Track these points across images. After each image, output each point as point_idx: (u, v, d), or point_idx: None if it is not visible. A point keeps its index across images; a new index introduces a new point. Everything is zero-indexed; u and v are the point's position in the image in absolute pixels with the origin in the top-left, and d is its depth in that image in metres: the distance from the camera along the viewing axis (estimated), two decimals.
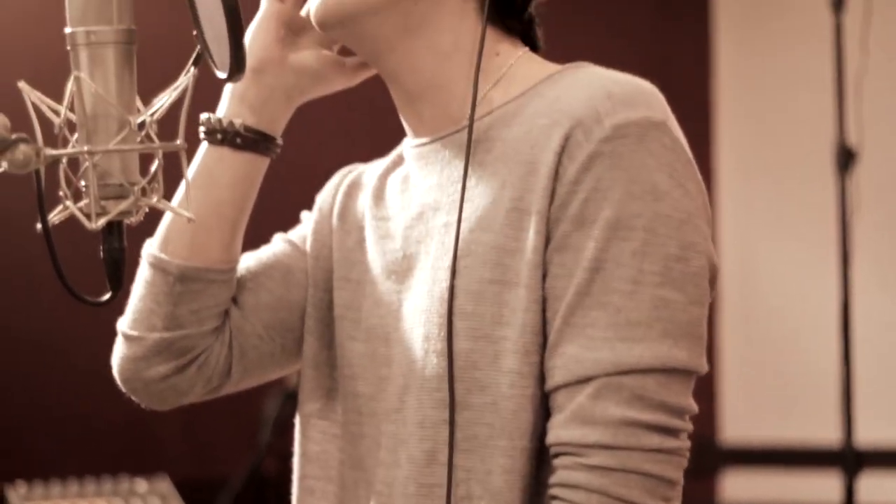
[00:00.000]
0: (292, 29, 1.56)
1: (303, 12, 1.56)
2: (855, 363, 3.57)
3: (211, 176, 1.55)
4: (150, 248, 1.56)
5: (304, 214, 1.67)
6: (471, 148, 1.43)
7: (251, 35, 1.57)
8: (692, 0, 4.81)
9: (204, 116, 1.56)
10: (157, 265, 1.54)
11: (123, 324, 1.57)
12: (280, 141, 1.58)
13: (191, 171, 1.55)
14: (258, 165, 1.57)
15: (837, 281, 3.59)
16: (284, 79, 1.56)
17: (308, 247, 1.63)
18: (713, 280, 1.40)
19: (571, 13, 4.20)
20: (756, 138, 4.92)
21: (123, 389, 1.59)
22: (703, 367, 1.39)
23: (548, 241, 1.37)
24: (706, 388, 4.75)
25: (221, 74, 1.20)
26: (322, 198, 1.66)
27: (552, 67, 1.48)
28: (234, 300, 1.59)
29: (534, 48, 1.52)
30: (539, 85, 1.45)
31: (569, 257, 1.35)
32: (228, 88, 1.57)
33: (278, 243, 1.65)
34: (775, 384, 4.91)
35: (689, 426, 1.38)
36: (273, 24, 1.57)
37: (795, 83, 4.78)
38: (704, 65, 4.85)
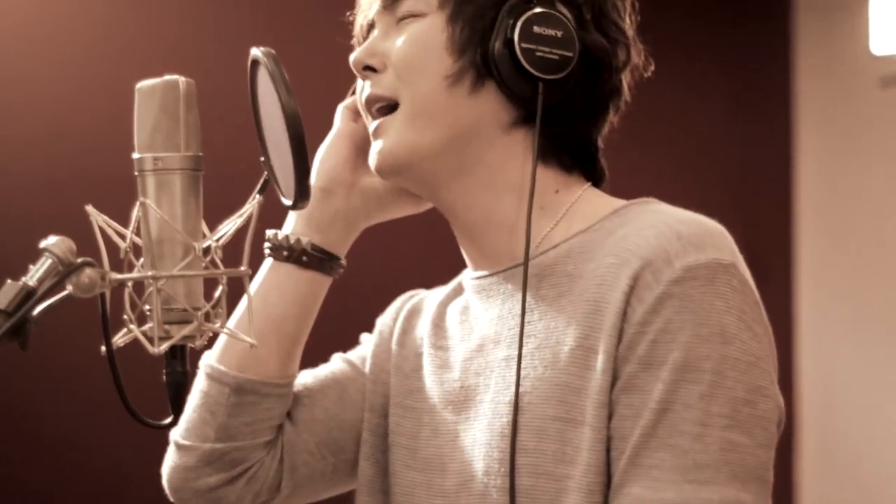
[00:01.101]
0: (364, 149, 1.57)
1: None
2: None
3: (274, 292, 1.56)
4: (209, 358, 1.56)
5: (364, 336, 1.68)
6: (527, 284, 1.43)
7: (323, 154, 1.59)
8: (773, 111, 4.80)
9: (270, 233, 1.57)
10: (213, 376, 1.55)
11: (176, 433, 1.57)
12: (344, 262, 1.59)
13: (254, 285, 1.56)
14: (321, 284, 1.57)
15: None
16: (352, 202, 1.57)
17: (367, 370, 1.63)
18: (780, 423, 1.39)
19: (651, 125, 4.23)
20: (838, 255, 4.88)
21: (172, 499, 1.59)
22: None
23: (614, 380, 1.36)
24: None
25: (287, 202, 1.21)
26: (383, 321, 1.67)
27: (617, 203, 1.48)
28: (289, 415, 1.59)
29: (598, 181, 1.52)
30: (604, 220, 1.45)
31: (636, 398, 1.35)
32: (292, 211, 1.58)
33: (337, 362, 1.65)
34: None
35: None
36: (345, 144, 1.58)
37: (879, 197, 4.73)
38: (786, 180, 4.84)
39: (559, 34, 1.43)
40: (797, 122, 4.85)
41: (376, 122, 1.48)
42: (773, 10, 4.74)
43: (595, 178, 1.52)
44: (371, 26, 1.52)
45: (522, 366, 1.41)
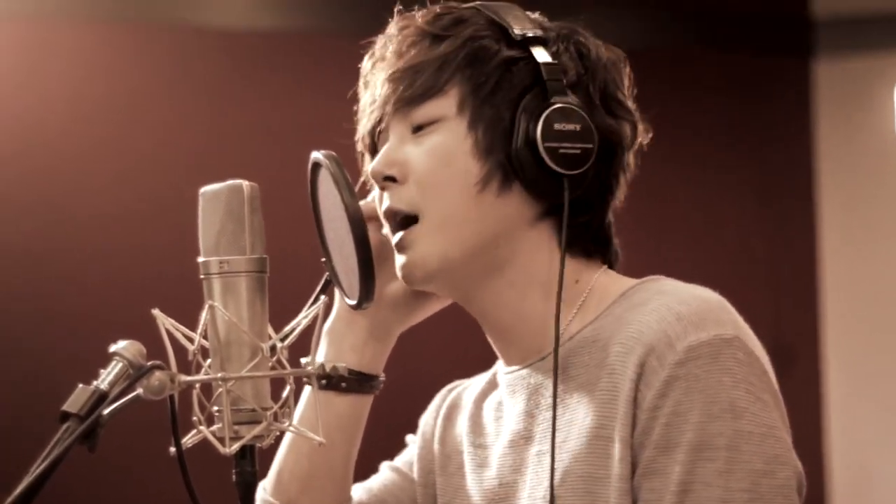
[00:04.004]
0: (383, 256, 1.50)
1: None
2: None
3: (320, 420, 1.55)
4: (265, 493, 1.55)
5: (409, 438, 1.67)
6: (557, 379, 1.43)
7: None
8: (797, 194, 4.80)
9: (304, 361, 1.46)
10: None
11: None
12: (383, 377, 1.57)
13: (297, 413, 1.52)
14: (363, 405, 1.56)
15: None
16: (381, 317, 1.55)
17: (415, 475, 1.62)
18: (800, 488, 1.40)
19: (675, 210, 4.24)
20: (865, 335, 4.85)
21: None
22: None
23: (633, 467, 1.37)
24: None
25: (351, 302, 1.23)
26: (425, 421, 1.65)
27: (625, 284, 1.48)
28: None
29: (614, 263, 1.52)
30: (613, 305, 1.45)
31: (657, 482, 1.36)
32: (325, 331, 1.55)
33: (386, 472, 1.64)
34: None
35: None
36: None
37: None
38: (811, 262, 4.82)
39: (578, 128, 1.42)
40: (820, 205, 4.85)
41: (400, 235, 1.45)
42: (794, 93, 4.75)
43: (611, 259, 1.52)
44: (377, 130, 1.49)
45: (559, 460, 1.42)
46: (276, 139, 3.78)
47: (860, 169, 4.77)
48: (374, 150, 1.50)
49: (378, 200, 1.48)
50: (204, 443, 1.17)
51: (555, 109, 1.42)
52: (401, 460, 1.65)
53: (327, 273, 1.27)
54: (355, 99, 1.50)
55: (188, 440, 1.17)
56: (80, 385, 1.15)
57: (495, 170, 1.43)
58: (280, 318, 1.22)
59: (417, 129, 1.45)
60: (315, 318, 1.19)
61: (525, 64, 1.44)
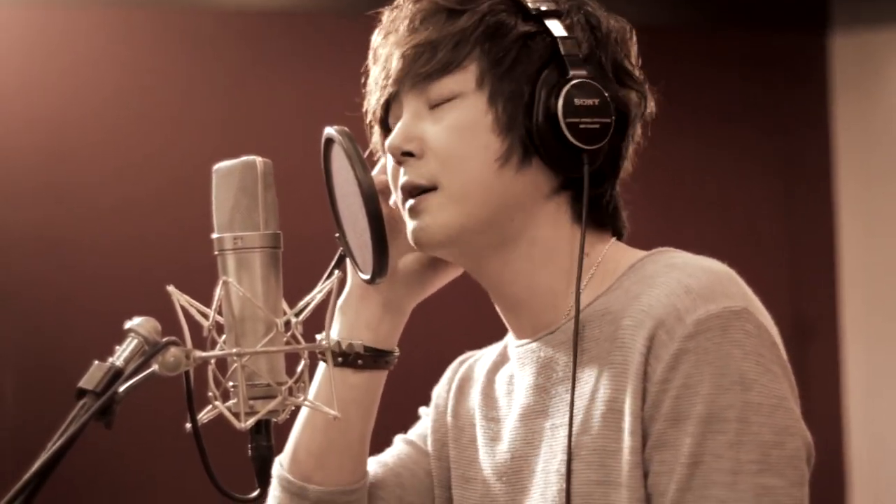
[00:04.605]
0: (395, 230, 1.50)
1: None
2: None
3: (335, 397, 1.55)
4: (281, 469, 1.55)
5: (422, 410, 1.67)
6: (577, 353, 1.43)
7: None
8: (815, 171, 4.79)
9: (320, 337, 1.47)
10: (291, 490, 1.54)
11: None
12: (397, 352, 1.57)
13: (312, 389, 1.54)
14: (378, 380, 1.56)
15: None
16: (395, 291, 1.54)
17: (430, 447, 1.62)
18: (809, 458, 1.40)
19: (695, 192, 4.23)
20: (883, 310, 4.85)
21: None
22: None
23: (644, 440, 1.37)
24: None
25: (364, 276, 1.23)
26: (437, 394, 1.65)
27: (633, 256, 1.47)
28: None
29: (622, 234, 1.52)
30: (622, 278, 1.45)
31: (667, 454, 1.36)
32: (339, 307, 1.54)
33: (400, 445, 1.64)
34: None
35: None
36: None
37: None
38: (829, 238, 4.81)
39: (596, 102, 1.43)
40: (839, 179, 4.85)
41: (413, 200, 1.44)
42: (811, 67, 4.73)
43: (620, 230, 1.51)
44: (389, 103, 1.48)
45: (564, 433, 1.43)
46: (290, 119, 3.78)
47: (878, 143, 4.76)
48: (383, 124, 1.49)
49: (391, 174, 1.48)
50: (220, 418, 1.18)
51: (574, 84, 1.42)
52: (414, 433, 1.65)
53: (341, 248, 1.27)
54: (367, 75, 1.50)
55: (204, 416, 1.18)
56: (96, 362, 1.15)
57: (516, 145, 1.43)
58: (294, 294, 1.22)
59: (434, 104, 1.45)
60: (329, 294, 1.19)
61: (542, 38, 1.44)
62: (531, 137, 1.43)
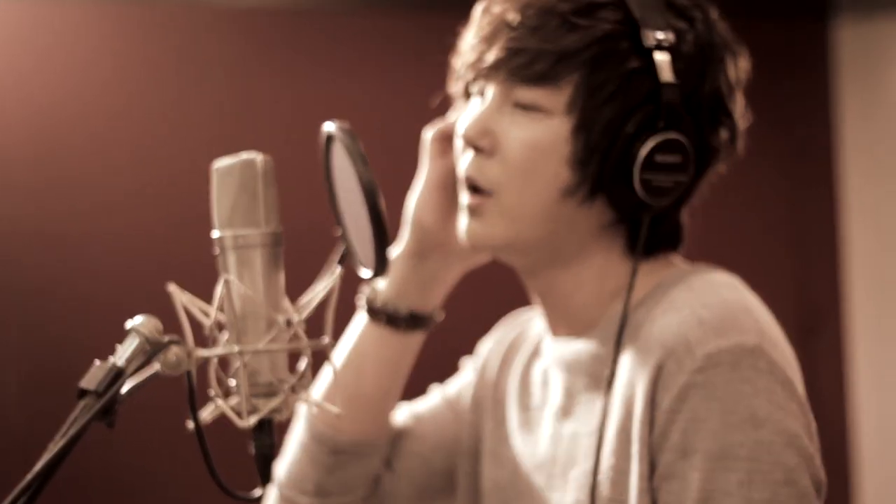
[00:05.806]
0: (454, 191, 1.52)
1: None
2: None
3: (371, 353, 1.56)
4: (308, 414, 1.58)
5: (464, 361, 1.67)
6: (612, 381, 1.43)
7: (415, 210, 1.55)
8: (819, 160, 4.78)
9: (369, 293, 1.56)
10: (313, 433, 1.56)
11: (280, 476, 1.58)
12: (440, 315, 1.59)
13: (348, 344, 1.57)
14: (416, 342, 1.58)
15: None
16: (449, 261, 1.56)
17: (469, 406, 1.62)
18: (820, 493, 1.39)
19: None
20: (891, 301, 4.83)
21: None
22: None
23: (652, 467, 1.37)
24: None
25: (366, 273, 1.22)
26: (487, 355, 1.64)
27: (657, 275, 1.47)
28: (388, 463, 1.60)
29: (675, 247, 1.52)
30: (645, 299, 1.44)
31: (676, 485, 1.35)
32: (392, 263, 1.54)
33: (436, 400, 1.65)
34: None
35: None
36: (438, 196, 1.54)
37: None
38: (833, 228, 4.81)
39: (679, 160, 1.41)
40: (843, 167, 4.83)
41: (470, 198, 1.45)
42: (814, 55, 4.72)
43: (676, 246, 1.52)
44: (469, 85, 1.47)
45: (587, 442, 1.43)
46: (290, 115, 3.77)
47: (882, 130, 4.75)
48: (465, 91, 1.48)
49: (458, 151, 1.47)
50: (222, 417, 1.18)
51: (662, 141, 1.39)
52: (454, 387, 1.65)
53: (343, 246, 1.26)
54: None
55: (206, 414, 1.17)
56: (97, 362, 1.15)
57: (585, 182, 1.41)
58: (295, 290, 1.22)
59: (519, 104, 1.42)
60: (331, 291, 1.18)
61: (646, 77, 1.40)
62: (601, 178, 1.40)
